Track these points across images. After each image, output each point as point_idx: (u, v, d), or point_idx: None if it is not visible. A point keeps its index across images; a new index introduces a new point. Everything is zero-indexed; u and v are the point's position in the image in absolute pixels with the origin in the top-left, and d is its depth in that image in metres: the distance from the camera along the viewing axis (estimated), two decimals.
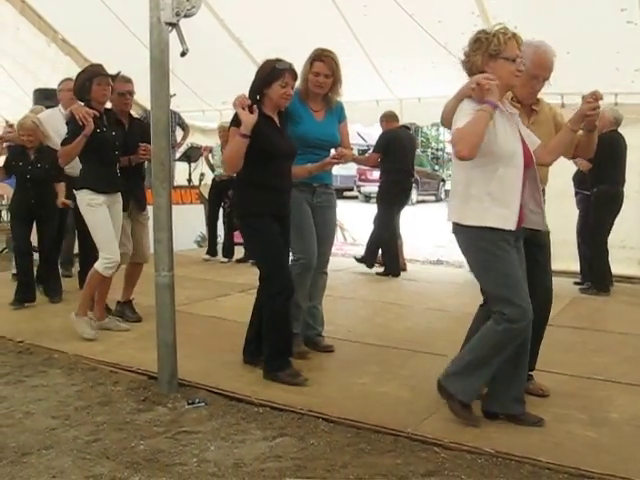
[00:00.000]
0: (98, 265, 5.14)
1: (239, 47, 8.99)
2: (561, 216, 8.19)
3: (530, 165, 3.52)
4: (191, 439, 3.36)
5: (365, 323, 5.41)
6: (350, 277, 8.20)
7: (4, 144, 6.65)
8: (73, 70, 10.48)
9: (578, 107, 3.52)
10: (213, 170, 9.38)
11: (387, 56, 8.20)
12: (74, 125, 5.05)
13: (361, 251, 8.71)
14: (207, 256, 9.25)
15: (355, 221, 11.99)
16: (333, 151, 4.60)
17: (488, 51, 3.43)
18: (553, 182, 7.99)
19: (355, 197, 22.27)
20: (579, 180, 7.44)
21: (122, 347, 4.90)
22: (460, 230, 3.54)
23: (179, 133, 10.02)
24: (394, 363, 4.50)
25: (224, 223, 9.39)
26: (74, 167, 5.73)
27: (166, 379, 4.00)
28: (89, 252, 5.64)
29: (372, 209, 8.77)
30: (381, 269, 8.33)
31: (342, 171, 22.19)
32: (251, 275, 7.86)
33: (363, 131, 23.18)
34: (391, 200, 8.31)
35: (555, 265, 8.53)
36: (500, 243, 3.43)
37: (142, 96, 10.84)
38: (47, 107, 7.24)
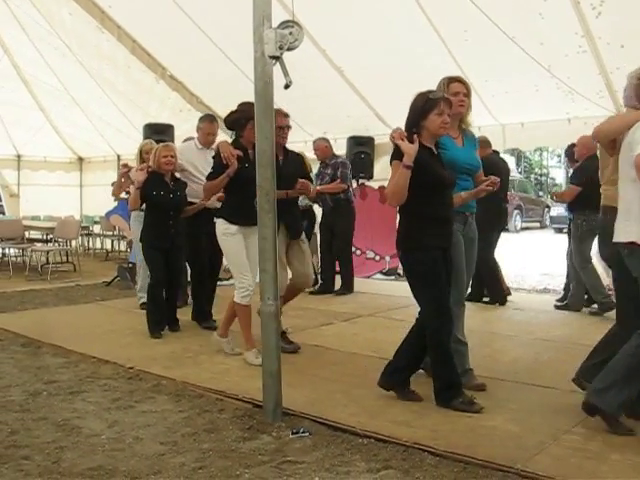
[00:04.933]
0: (235, 296, 5.36)
1: (340, 76, 9.07)
2: None
3: None
4: (295, 469, 3.35)
5: (471, 354, 5.26)
6: None
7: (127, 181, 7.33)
8: (180, 105, 10.93)
9: None
10: None
11: (489, 80, 8.08)
12: (219, 161, 5.32)
13: None
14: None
15: None
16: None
17: None
18: None
19: None
20: None
21: (228, 375, 4.97)
22: (638, 250, 3.56)
23: None
24: (501, 396, 4.37)
25: None
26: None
27: (271, 408, 4.02)
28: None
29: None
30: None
31: None
32: (354, 304, 7.90)
33: None
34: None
35: None
36: None
37: None
38: (156, 141, 7.40)
